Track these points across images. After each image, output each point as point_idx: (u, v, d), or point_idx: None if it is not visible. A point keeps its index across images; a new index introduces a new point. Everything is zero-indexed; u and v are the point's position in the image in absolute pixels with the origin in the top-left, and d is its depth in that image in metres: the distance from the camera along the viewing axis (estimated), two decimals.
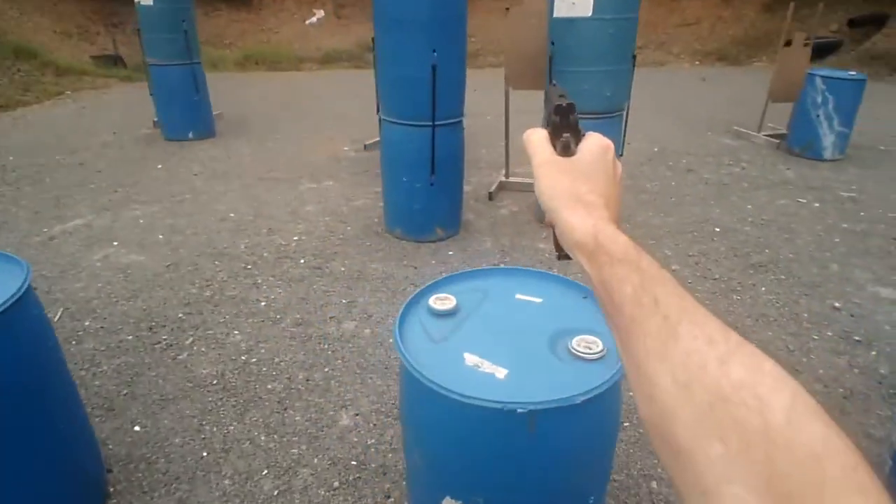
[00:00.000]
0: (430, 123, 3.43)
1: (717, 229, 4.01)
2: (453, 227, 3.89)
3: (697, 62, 12.81)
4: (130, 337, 2.75)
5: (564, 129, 0.53)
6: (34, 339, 1.58)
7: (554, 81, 0.63)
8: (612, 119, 3.67)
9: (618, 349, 0.41)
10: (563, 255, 0.53)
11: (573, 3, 3.34)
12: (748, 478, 0.29)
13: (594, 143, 0.53)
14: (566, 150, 0.53)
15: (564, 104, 0.53)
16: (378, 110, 3.75)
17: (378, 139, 5.27)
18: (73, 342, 2.69)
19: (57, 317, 2.87)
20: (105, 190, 4.72)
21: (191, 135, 6.10)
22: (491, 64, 12.88)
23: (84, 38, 12.96)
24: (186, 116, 6.07)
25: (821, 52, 10.01)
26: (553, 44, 3.53)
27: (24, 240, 3.79)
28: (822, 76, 5.32)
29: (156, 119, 6.70)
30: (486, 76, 7.77)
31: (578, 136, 0.54)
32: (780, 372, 0.32)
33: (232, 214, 4.22)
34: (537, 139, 0.55)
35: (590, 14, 3.33)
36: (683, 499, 0.33)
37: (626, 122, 3.82)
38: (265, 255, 3.59)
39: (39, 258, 3.52)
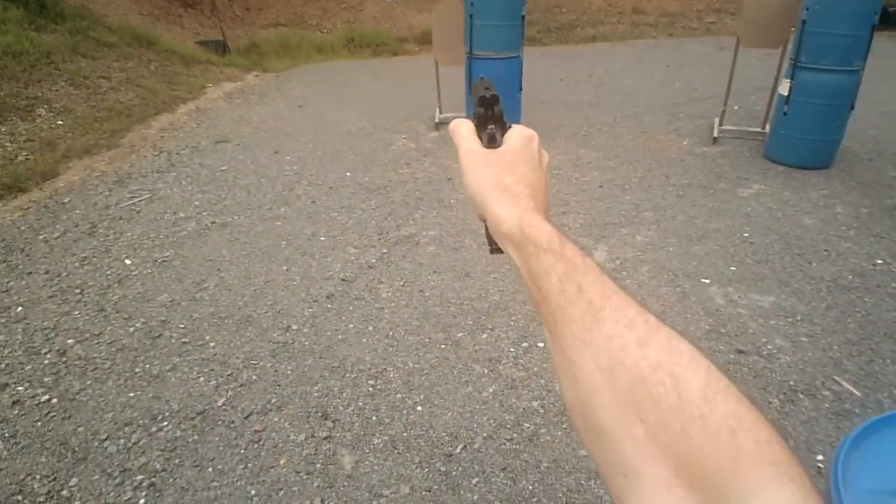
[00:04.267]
0: None
1: None
2: None
3: None
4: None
5: (489, 121, 0.51)
6: None
7: (482, 76, 0.57)
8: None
9: (547, 339, 0.41)
10: (495, 248, 0.51)
11: None
12: (666, 454, 0.30)
13: (518, 134, 0.52)
14: (492, 142, 0.51)
15: (489, 95, 0.51)
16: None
17: (720, 130, 5.42)
18: None
19: None
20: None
21: None
22: (590, 37, 12.25)
23: (171, 21, 11.52)
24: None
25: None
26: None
27: None
28: None
29: (438, 120, 5.98)
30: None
31: (504, 128, 0.52)
32: (695, 352, 0.33)
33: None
34: (464, 131, 0.53)
35: None
36: (607, 481, 0.33)
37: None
38: None
39: None
